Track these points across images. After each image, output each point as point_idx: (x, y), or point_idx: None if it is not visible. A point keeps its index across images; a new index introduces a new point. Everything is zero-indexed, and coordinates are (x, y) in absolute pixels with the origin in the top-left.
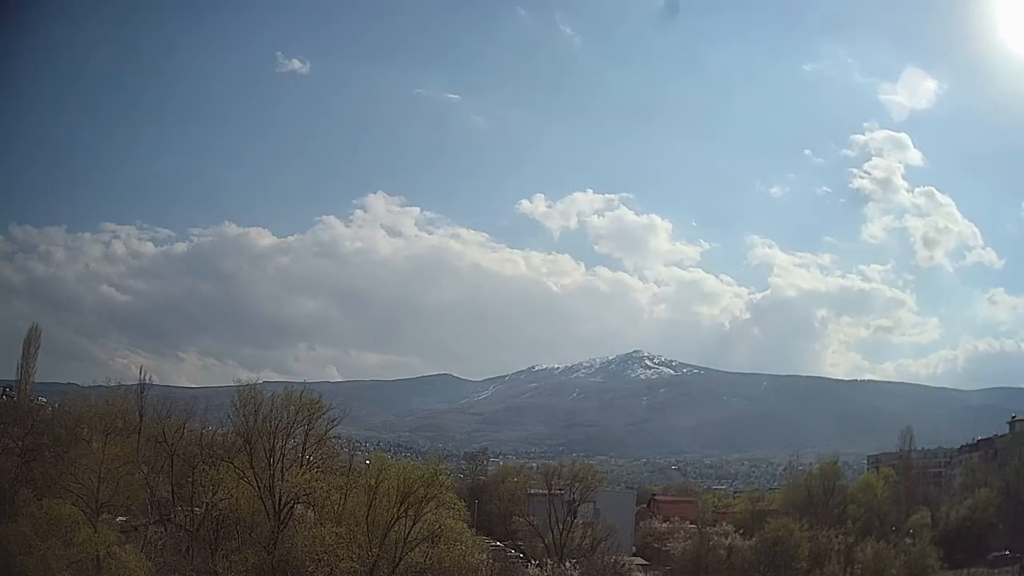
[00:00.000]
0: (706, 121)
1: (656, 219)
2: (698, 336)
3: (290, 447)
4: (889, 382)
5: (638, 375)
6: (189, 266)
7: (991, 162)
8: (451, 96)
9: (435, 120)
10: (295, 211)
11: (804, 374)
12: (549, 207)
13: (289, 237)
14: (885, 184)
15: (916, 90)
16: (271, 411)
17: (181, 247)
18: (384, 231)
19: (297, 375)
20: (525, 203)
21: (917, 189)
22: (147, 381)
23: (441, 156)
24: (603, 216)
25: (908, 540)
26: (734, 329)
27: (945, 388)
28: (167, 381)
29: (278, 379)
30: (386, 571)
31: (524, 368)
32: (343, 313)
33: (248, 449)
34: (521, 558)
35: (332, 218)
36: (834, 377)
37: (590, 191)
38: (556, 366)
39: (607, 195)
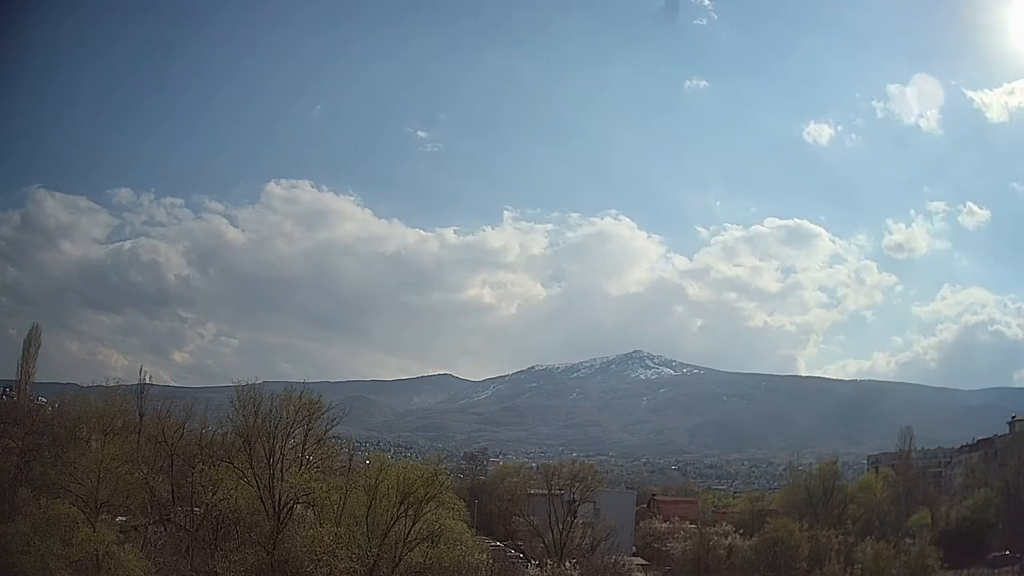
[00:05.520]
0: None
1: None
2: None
3: (290, 447)
4: (889, 382)
5: (638, 375)
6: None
7: None
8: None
9: None
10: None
11: (804, 374)
12: None
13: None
14: None
15: None
16: (271, 411)
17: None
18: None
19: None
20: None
21: None
22: (146, 381)
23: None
24: None
25: (908, 540)
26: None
27: (945, 388)
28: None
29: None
30: (386, 571)
31: (524, 368)
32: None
33: (248, 449)
34: (521, 558)
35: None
36: (834, 377)
37: None
38: (556, 366)
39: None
